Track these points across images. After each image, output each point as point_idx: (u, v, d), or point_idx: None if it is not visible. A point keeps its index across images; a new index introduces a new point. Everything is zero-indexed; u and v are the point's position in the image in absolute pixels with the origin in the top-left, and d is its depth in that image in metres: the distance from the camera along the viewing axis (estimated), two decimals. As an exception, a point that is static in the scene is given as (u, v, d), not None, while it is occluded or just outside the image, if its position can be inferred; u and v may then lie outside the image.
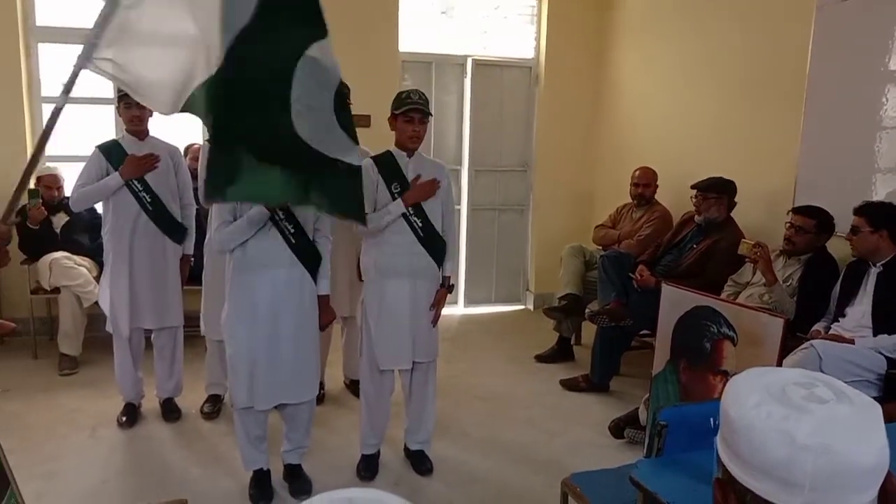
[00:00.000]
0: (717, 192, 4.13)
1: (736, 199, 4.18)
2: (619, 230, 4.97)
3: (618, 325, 4.25)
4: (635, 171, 4.97)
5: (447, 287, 3.32)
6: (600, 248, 5.05)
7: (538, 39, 6.17)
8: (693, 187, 4.22)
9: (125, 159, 3.56)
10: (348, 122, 2.39)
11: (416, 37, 5.88)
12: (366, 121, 5.25)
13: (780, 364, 2.56)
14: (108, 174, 3.57)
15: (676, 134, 5.16)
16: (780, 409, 0.88)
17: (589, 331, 4.90)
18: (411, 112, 3.10)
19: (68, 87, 2.07)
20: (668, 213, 4.83)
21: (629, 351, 4.57)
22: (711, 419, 2.11)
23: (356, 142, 2.40)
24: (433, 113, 3.23)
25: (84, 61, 2.08)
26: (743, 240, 3.89)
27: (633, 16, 5.77)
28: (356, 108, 4.04)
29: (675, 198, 4.92)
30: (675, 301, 2.91)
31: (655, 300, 3.34)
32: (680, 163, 5.02)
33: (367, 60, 5.40)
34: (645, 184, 4.90)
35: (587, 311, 4.61)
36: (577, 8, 6.05)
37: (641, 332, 4.50)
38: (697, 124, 4.95)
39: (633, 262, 4.40)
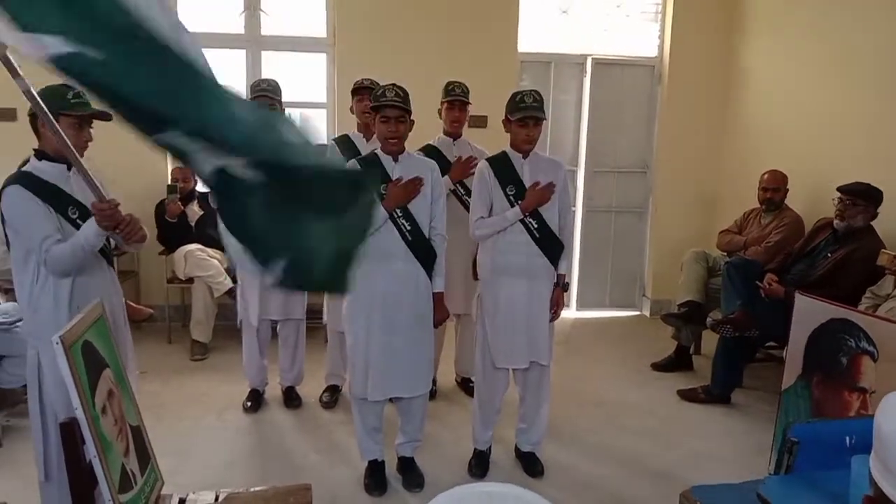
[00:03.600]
0: (866, 199, 3.85)
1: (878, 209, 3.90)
2: (745, 236, 4.74)
3: (742, 336, 4.06)
4: (764, 174, 4.73)
5: (562, 286, 3.28)
6: (725, 254, 4.84)
7: (662, 37, 5.99)
8: (840, 190, 3.93)
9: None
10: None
11: (535, 36, 5.85)
12: (482, 121, 5.27)
13: (926, 383, 2.37)
14: None
15: (810, 135, 4.87)
16: None
17: (709, 340, 4.72)
18: (526, 119, 3.07)
19: None
20: (800, 220, 4.56)
21: (753, 363, 4.37)
22: (847, 438, 1.99)
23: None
24: (549, 115, 3.18)
25: None
26: (883, 250, 3.62)
27: (764, 11, 5.50)
28: (473, 109, 4.09)
29: (807, 203, 4.64)
30: (809, 312, 2.75)
31: (784, 311, 3.17)
32: (813, 166, 4.73)
33: (486, 60, 5.43)
34: (774, 188, 4.65)
35: (709, 319, 4.43)
36: (704, 3, 5.83)
37: (767, 344, 4.30)
38: (833, 125, 4.65)
39: (761, 271, 4.19)
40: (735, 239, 4.79)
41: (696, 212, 6.02)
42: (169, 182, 5.11)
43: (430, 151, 3.85)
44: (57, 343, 1.77)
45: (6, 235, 2.43)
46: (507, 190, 3.14)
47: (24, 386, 3.59)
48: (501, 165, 3.18)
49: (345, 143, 3.90)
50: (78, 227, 2.43)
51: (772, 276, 4.08)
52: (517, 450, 3.47)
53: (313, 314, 4.20)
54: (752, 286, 4.11)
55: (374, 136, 3.68)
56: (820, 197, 4.45)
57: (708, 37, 5.86)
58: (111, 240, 2.55)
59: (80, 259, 2.42)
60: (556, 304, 3.25)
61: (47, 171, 2.43)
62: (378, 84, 3.58)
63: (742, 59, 5.74)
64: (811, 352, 2.73)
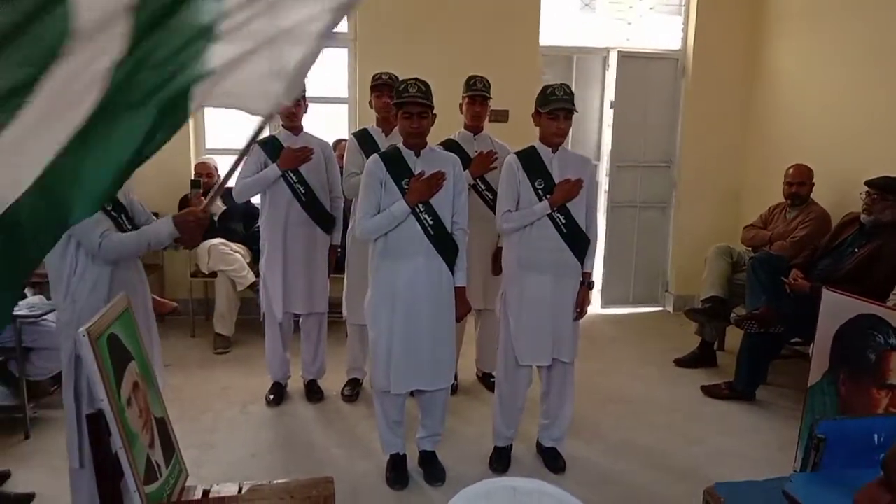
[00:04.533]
0: (894, 193, 3.77)
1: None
2: (770, 231, 4.69)
3: (767, 332, 4.02)
4: (789, 168, 4.67)
5: (588, 284, 3.26)
6: (749, 249, 4.78)
7: (686, 30, 5.92)
8: (867, 183, 3.87)
9: (282, 152, 3.76)
10: None
11: (556, 30, 5.81)
12: (503, 116, 5.26)
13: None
14: (266, 167, 3.78)
15: (836, 129, 4.80)
16: None
17: (733, 336, 4.67)
18: (557, 111, 3.06)
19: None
20: (827, 214, 4.50)
21: (777, 359, 4.32)
22: (876, 435, 1.96)
23: None
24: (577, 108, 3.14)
25: None
26: (913, 244, 3.55)
27: (790, 2, 5.42)
28: (494, 103, 4.07)
29: (834, 197, 4.57)
30: (836, 308, 2.70)
31: (809, 306, 3.13)
32: (840, 160, 4.66)
33: (507, 54, 5.40)
34: (799, 182, 4.58)
35: (733, 315, 4.39)
36: (730, -4, 5.76)
37: (792, 340, 4.24)
38: (860, 119, 4.57)
39: (786, 266, 4.14)
40: (760, 234, 4.73)
41: (720, 206, 5.96)
42: (192, 177, 5.14)
43: (450, 146, 3.84)
44: (83, 336, 1.79)
45: None
46: (536, 184, 3.12)
47: (52, 378, 3.66)
48: (530, 159, 3.16)
49: (364, 137, 3.90)
50: (114, 219, 2.47)
51: (797, 271, 4.03)
52: (539, 445, 3.47)
53: (334, 308, 4.22)
54: (778, 282, 4.06)
55: (393, 130, 3.68)
56: (847, 191, 4.38)
57: (732, 29, 5.79)
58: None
59: (141, 252, 2.52)
60: (582, 303, 3.23)
61: None
62: (397, 78, 3.57)
63: (767, 52, 5.67)
64: (838, 348, 2.69)
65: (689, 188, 6.02)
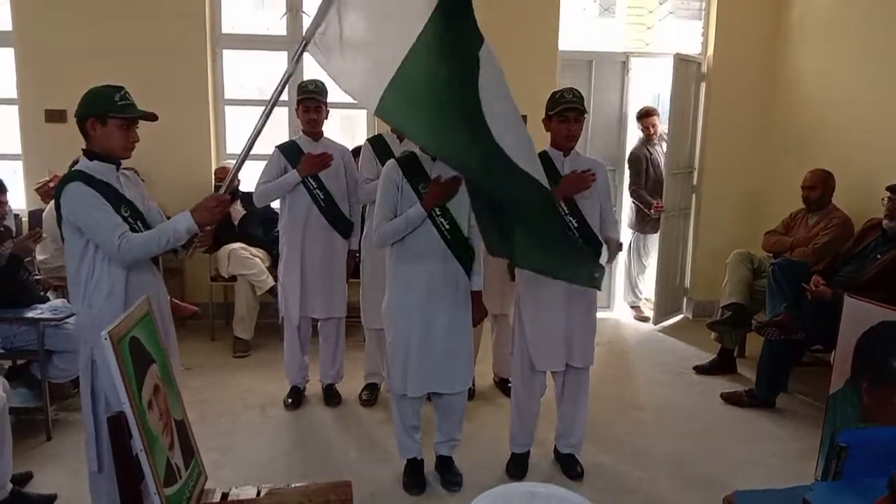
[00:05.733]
0: None
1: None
2: (792, 237, 4.63)
3: (788, 339, 3.98)
4: (806, 173, 4.62)
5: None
6: (770, 255, 4.73)
7: (706, 34, 5.88)
8: (890, 189, 3.81)
9: (302, 157, 3.79)
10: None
11: (574, 35, 5.79)
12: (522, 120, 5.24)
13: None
14: (286, 172, 3.81)
15: (858, 134, 4.73)
16: None
17: (754, 343, 4.63)
18: (566, 112, 3.05)
19: (296, 57, 2.78)
20: (849, 220, 4.44)
21: (798, 366, 4.27)
22: (900, 445, 1.93)
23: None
24: (590, 114, 3.13)
25: (308, 39, 2.61)
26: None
27: (813, 7, 5.36)
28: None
29: (857, 203, 4.51)
30: (859, 315, 2.67)
31: (831, 313, 3.10)
32: (862, 165, 4.60)
33: (525, 59, 5.38)
34: (809, 187, 4.52)
35: (754, 322, 4.34)
36: (751, 0, 5.71)
37: (813, 347, 4.20)
38: (884, 124, 4.49)
39: (808, 272, 4.09)
40: (781, 240, 4.68)
41: (741, 212, 5.90)
42: (213, 181, 5.19)
43: None
44: (105, 338, 1.81)
45: (61, 233, 2.49)
46: None
47: (74, 380, 3.70)
48: (542, 163, 3.15)
49: (379, 143, 3.92)
50: (129, 224, 2.48)
51: (818, 277, 3.98)
52: (556, 451, 3.45)
53: (352, 312, 4.23)
54: (799, 288, 4.02)
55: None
56: (869, 196, 4.32)
57: (753, 33, 5.74)
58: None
59: (159, 250, 2.51)
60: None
61: (100, 170, 2.49)
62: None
63: (788, 57, 5.61)
64: (861, 355, 2.65)
65: (710, 194, 5.96)
